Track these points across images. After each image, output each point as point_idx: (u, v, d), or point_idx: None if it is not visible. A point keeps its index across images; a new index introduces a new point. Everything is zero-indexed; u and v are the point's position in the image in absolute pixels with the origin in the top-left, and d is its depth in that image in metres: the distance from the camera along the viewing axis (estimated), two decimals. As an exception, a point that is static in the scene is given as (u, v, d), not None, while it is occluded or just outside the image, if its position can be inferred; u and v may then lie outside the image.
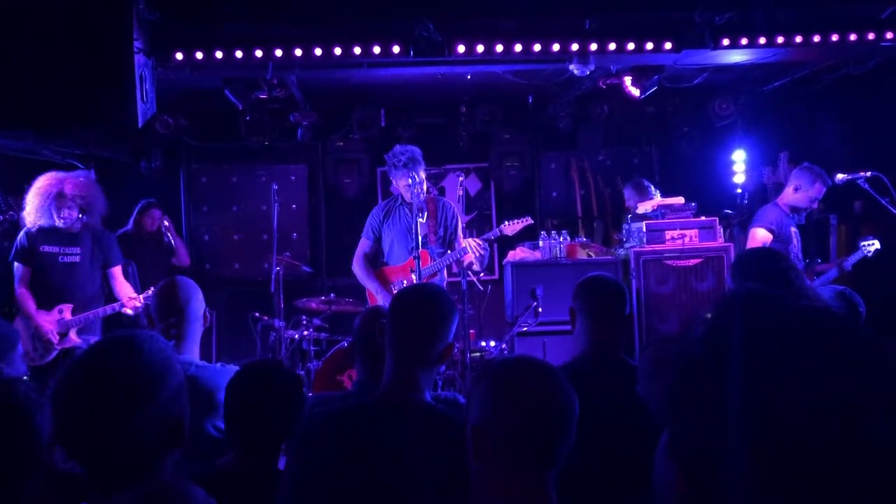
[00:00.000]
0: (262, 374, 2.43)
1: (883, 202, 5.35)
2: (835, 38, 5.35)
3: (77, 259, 5.14)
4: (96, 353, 1.58)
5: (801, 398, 0.85)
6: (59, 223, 5.07)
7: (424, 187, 5.32)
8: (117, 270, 5.25)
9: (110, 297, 5.36)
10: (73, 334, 5.02)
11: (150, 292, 5.04)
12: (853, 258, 5.78)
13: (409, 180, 5.25)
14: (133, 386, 1.51)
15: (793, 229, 5.61)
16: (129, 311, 5.06)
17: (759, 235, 5.55)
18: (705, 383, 0.92)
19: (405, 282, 5.37)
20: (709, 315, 0.98)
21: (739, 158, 7.92)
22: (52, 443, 1.59)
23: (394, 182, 5.49)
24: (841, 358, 0.87)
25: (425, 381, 2.20)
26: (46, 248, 5.10)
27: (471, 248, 5.26)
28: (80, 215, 5.13)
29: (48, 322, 4.99)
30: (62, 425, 1.51)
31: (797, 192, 5.58)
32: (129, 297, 5.08)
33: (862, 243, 5.78)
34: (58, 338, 4.99)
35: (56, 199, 5.04)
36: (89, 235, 5.19)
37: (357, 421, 2.10)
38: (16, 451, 1.62)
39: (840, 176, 5.53)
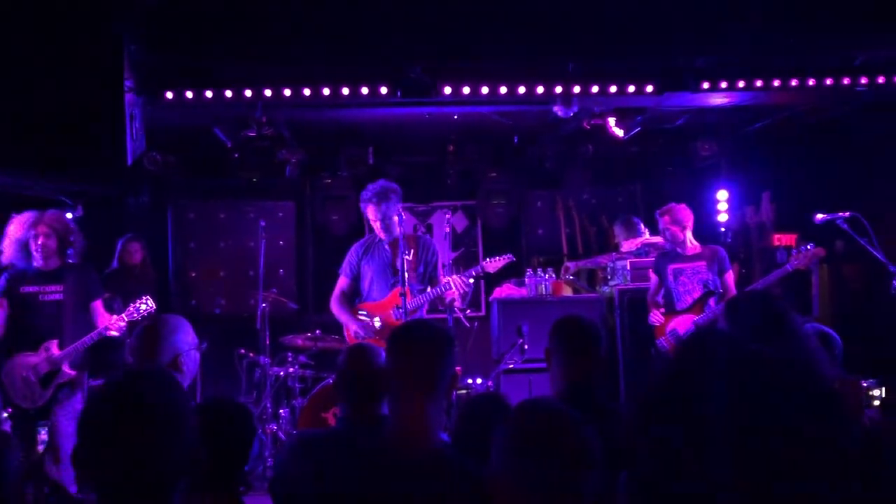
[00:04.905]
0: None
1: (862, 242, 5.42)
2: (811, 82, 5.48)
3: (60, 297, 5.11)
4: (131, 382, 1.61)
5: (770, 441, 0.88)
6: (36, 260, 5.05)
7: (395, 220, 5.35)
8: (98, 304, 5.23)
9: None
10: (66, 368, 4.99)
11: (131, 308, 5.03)
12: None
13: (380, 214, 5.30)
14: (171, 414, 1.57)
15: (671, 267, 5.91)
16: (115, 333, 5.03)
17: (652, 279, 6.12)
18: (666, 420, 0.95)
19: (382, 319, 5.38)
20: (673, 355, 1.02)
21: (723, 198, 8.02)
22: (24, 479, 1.61)
23: (366, 216, 5.53)
24: (801, 406, 0.91)
25: (436, 416, 2.16)
26: (26, 289, 5.08)
27: (454, 284, 5.28)
28: (59, 251, 5.11)
29: (27, 364, 4.95)
30: (95, 450, 1.53)
31: None
32: (113, 318, 5.06)
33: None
34: (34, 377, 4.96)
35: (34, 226, 5.03)
36: (70, 272, 5.16)
37: (366, 465, 2.07)
38: None
39: (820, 216, 5.61)
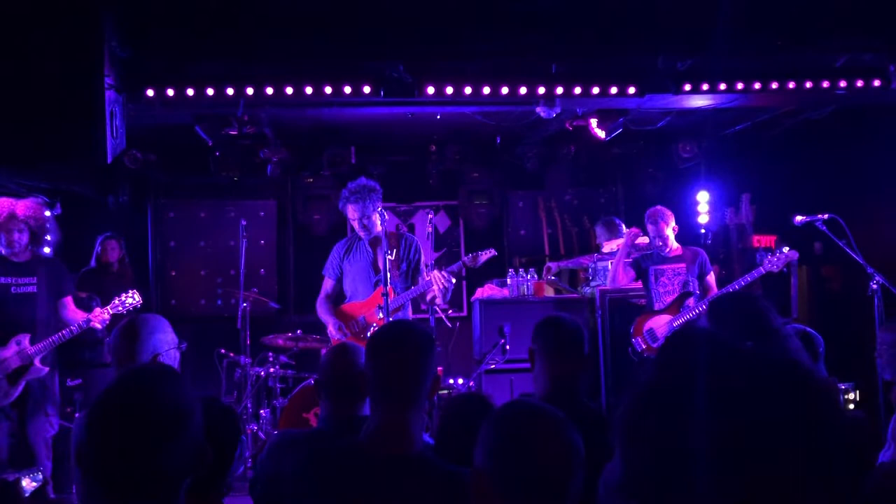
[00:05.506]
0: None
1: (840, 244, 5.47)
2: (791, 85, 5.54)
3: (33, 289, 4.98)
4: (139, 380, 1.60)
5: (759, 439, 0.88)
6: (6, 251, 4.95)
7: (376, 219, 5.32)
8: (69, 300, 5.12)
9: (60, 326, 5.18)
10: (37, 362, 4.88)
11: (116, 302, 4.96)
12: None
13: (358, 212, 5.28)
14: (179, 412, 1.55)
15: (653, 268, 5.98)
16: (98, 325, 4.93)
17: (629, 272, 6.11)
18: (658, 417, 0.95)
19: (365, 318, 5.36)
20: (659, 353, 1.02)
21: (703, 199, 8.07)
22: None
23: (345, 215, 5.50)
24: (792, 402, 0.92)
25: (417, 418, 2.12)
26: None
27: (435, 280, 5.23)
28: (31, 244, 5.01)
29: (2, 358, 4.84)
30: (103, 450, 1.52)
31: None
32: (97, 311, 4.96)
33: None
34: (1, 373, 4.83)
35: (7, 221, 4.92)
36: (42, 266, 5.05)
37: (347, 467, 2.04)
38: None
39: (798, 218, 5.66)
